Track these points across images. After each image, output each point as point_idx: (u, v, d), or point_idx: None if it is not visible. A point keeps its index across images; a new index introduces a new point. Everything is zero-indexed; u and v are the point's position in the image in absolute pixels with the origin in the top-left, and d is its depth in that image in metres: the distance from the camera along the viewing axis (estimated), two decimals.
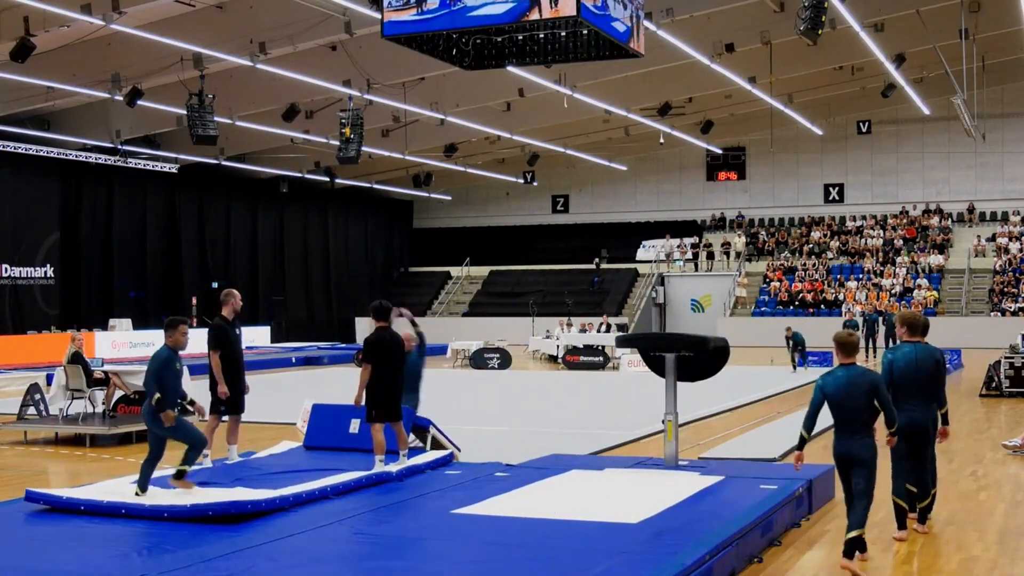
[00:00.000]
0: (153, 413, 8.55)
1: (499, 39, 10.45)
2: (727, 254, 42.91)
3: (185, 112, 24.17)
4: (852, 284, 39.53)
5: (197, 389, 10.84)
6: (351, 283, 44.25)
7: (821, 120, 38.03)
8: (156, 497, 8.27)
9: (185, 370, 9.14)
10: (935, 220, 41.71)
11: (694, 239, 44.12)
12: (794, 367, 24.52)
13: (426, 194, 44.48)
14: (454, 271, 46.83)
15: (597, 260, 44.00)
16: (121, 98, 25.03)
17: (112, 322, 31.74)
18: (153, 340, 29.87)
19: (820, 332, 29.39)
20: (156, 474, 8.63)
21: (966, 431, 14.00)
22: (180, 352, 8.81)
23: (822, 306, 38.66)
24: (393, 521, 8.00)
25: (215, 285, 34.47)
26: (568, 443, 12.37)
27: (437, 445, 10.89)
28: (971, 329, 34.20)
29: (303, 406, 11.95)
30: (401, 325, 10.57)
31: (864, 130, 39.65)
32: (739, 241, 43.15)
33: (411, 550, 7.06)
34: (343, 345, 36.81)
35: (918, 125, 40.63)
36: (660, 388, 10.00)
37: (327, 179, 39.95)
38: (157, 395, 8.41)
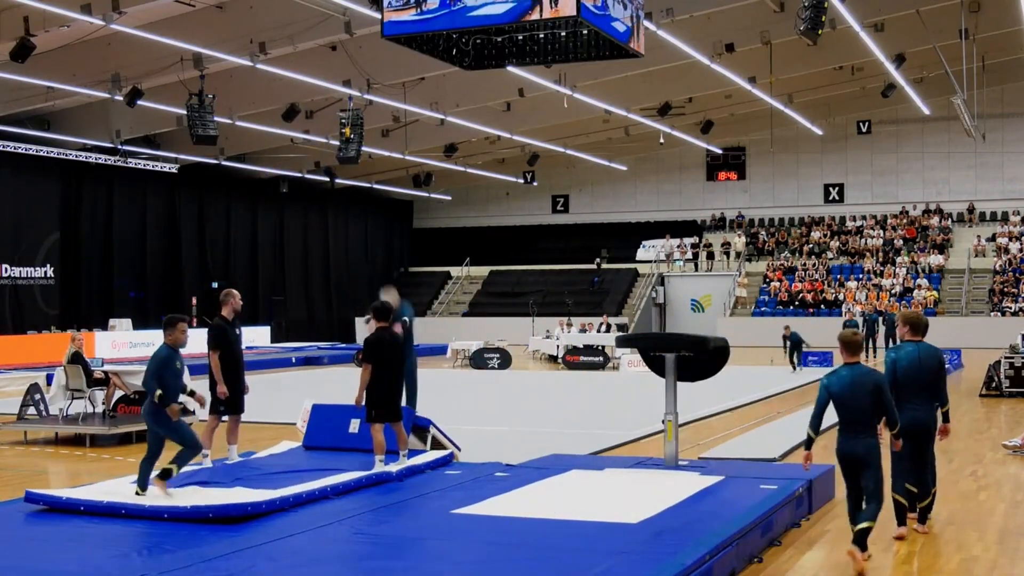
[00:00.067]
0: (154, 412, 8.54)
1: (499, 39, 10.44)
2: (727, 254, 42.91)
3: (185, 112, 24.18)
4: (852, 284, 39.54)
5: (197, 389, 10.82)
6: (351, 283, 44.25)
7: (821, 120, 38.04)
8: (156, 497, 8.27)
9: (185, 368, 9.10)
10: (935, 220, 41.72)
11: (694, 239, 44.13)
12: (794, 367, 24.48)
13: (426, 194, 44.49)
14: (454, 271, 46.83)
15: (598, 260, 44.00)
16: (121, 98, 25.03)
17: (112, 322, 31.75)
18: (153, 340, 29.86)
19: (820, 332, 29.50)
20: (156, 474, 8.60)
21: (966, 431, 14.00)
22: (180, 350, 8.79)
23: (822, 306, 38.67)
24: (393, 521, 8.00)
25: (215, 285, 34.48)
26: (568, 443, 12.36)
27: (437, 445, 10.88)
28: (971, 329, 34.19)
29: (303, 406, 11.94)
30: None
31: (864, 130, 39.66)
32: (739, 241, 43.16)
33: (411, 550, 7.06)
34: (343, 345, 36.82)
35: (918, 125, 40.64)
36: (660, 388, 10.00)
37: (327, 179, 39.96)
38: (158, 391, 8.38)
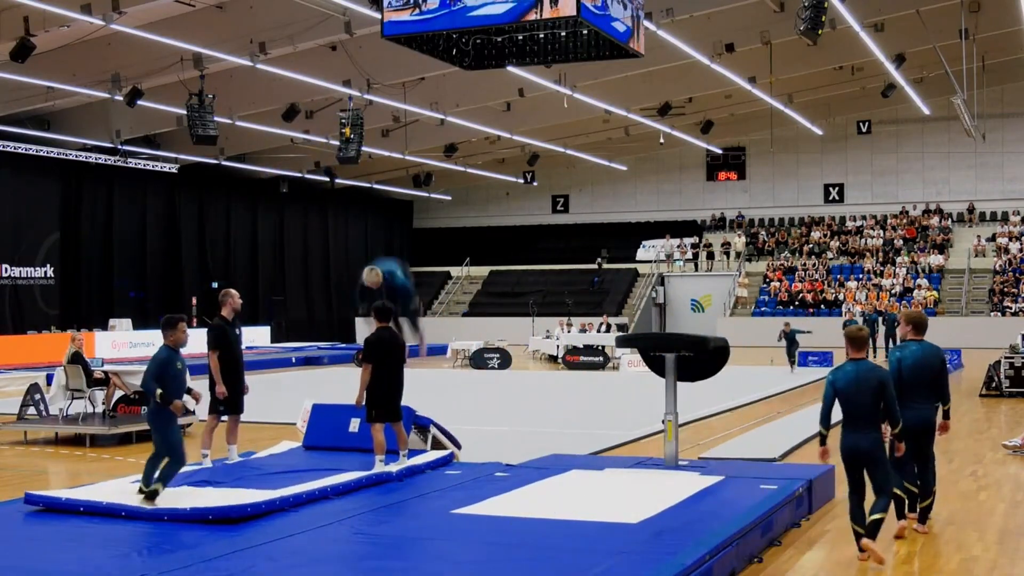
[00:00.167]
0: (152, 413, 8.46)
1: (499, 39, 10.44)
2: (727, 254, 42.91)
3: (185, 112, 24.17)
4: (852, 284, 39.54)
5: (198, 389, 10.82)
6: (351, 283, 44.09)
7: (821, 120, 38.04)
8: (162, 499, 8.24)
9: (186, 370, 9.00)
10: (935, 220, 41.72)
11: (694, 239, 44.13)
12: (792, 366, 24.46)
13: (426, 194, 44.48)
14: (454, 271, 46.83)
15: (599, 260, 43.99)
16: (121, 98, 25.03)
17: (112, 322, 31.75)
18: (153, 340, 29.83)
19: (820, 332, 29.51)
20: (143, 496, 8.47)
21: (966, 431, 14.00)
22: (181, 350, 8.69)
23: (822, 306, 38.67)
24: (393, 521, 8.01)
25: (215, 285, 34.45)
26: (568, 443, 12.36)
27: (437, 445, 10.89)
28: (971, 329, 34.19)
29: (303, 406, 11.94)
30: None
31: (864, 130, 39.65)
32: (739, 241, 43.16)
33: (411, 550, 7.06)
34: (343, 345, 36.82)
35: (918, 125, 40.64)
36: (660, 388, 10.00)
37: (327, 179, 39.95)
38: (159, 391, 8.26)
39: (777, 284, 40.62)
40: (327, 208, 43.51)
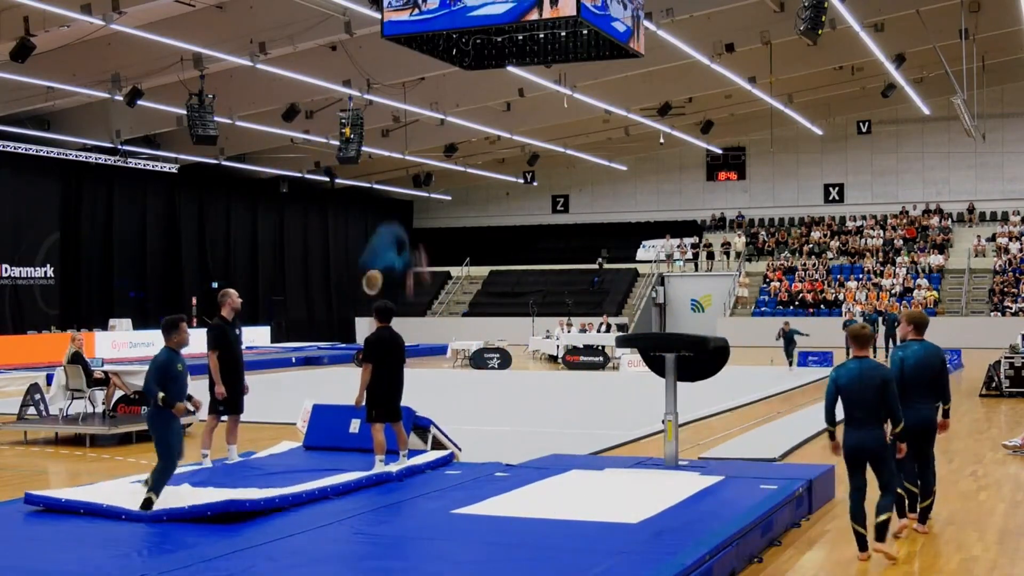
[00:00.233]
0: (151, 415, 8.41)
1: (499, 39, 10.44)
2: (727, 254, 42.91)
3: (185, 112, 24.18)
4: (852, 284, 39.53)
5: (197, 389, 10.82)
6: (351, 283, 44.09)
7: (821, 120, 38.03)
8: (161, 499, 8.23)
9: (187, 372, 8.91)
10: (935, 220, 41.71)
11: (694, 239, 44.12)
12: (791, 365, 24.48)
13: (426, 194, 44.48)
14: (454, 271, 46.81)
15: (600, 260, 43.98)
16: (121, 98, 25.03)
17: (112, 322, 31.75)
18: (153, 340, 29.89)
19: (820, 332, 29.53)
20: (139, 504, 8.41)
21: (966, 431, 14.00)
22: (182, 350, 8.57)
23: (822, 306, 38.67)
24: (393, 521, 8.01)
25: (215, 285, 34.45)
26: (568, 443, 12.36)
27: (438, 445, 10.89)
28: (971, 329, 34.18)
29: (303, 406, 11.94)
30: None
31: (864, 130, 39.64)
32: (739, 241, 43.15)
33: (411, 550, 7.06)
34: (343, 345, 36.82)
35: (918, 125, 40.64)
36: (660, 388, 10.00)
37: (327, 179, 39.95)
38: (161, 394, 8.18)
39: (777, 284, 40.62)
40: (327, 208, 43.51)
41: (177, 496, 8.30)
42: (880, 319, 30.87)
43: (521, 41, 10.52)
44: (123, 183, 34.17)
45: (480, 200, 47.85)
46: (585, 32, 10.23)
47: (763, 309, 39.67)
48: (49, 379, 15.11)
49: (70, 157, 31.40)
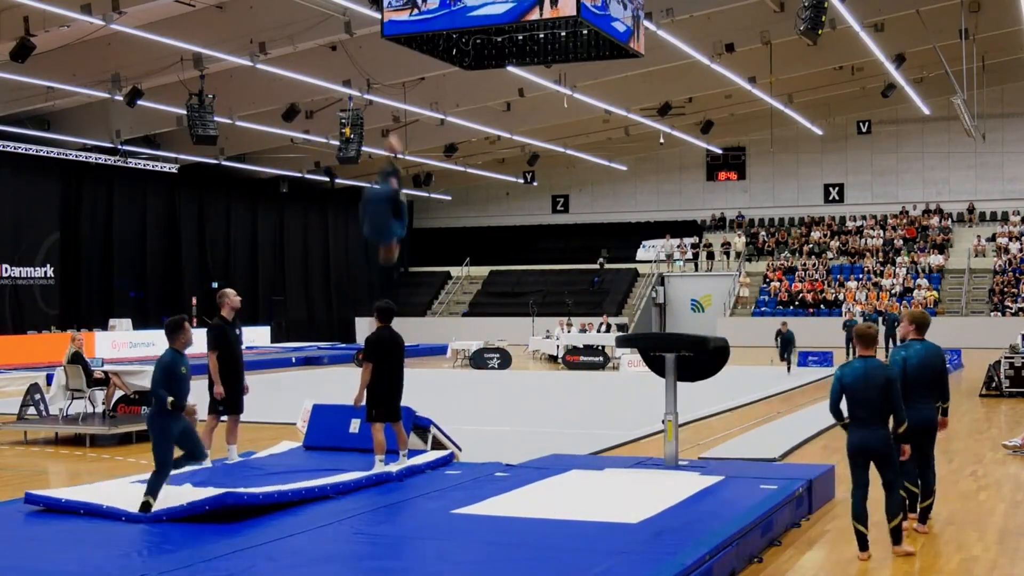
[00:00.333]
0: (151, 416, 8.37)
1: (499, 39, 10.44)
2: (727, 254, 42.92)
3: (185, 112, 24.18)
4: (852, 284, 39.54)
5: (197, 389, 10.83)
6: (351, 283, 44.24)
7: (821, 120, 38.03)
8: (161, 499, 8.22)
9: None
10: (935, 220, 41.72)
11: (694, 239, 44.13)
12: (789, 368, 24.21)
13: (426, 194, 44.46)
14: (454, 271, 46.82)
15: (600, 260, 43.98)
16: (121, 98, 25.03)
17: (112, 322, 31.76)
18: (153, 340, 29.92)
19: (820, 332, 29.53)
20: (172, 472, 8.41)
21: (966, 431, 14.00)
22: (186, 350, 8.49)
23: (822, 306, 38.67)
24: (393, 521, 8.01)
25: (215, 285, 34.44)
26: (568, 443, 12.36)
27: (438, 445, 10.88)
28: (971, 329, 34.19)
29: (303, 406, 11.94)
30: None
31: (864, 130, 39.62)
32: (739, 241, 43.16)
33: (411, 550, 7.06)
34: (343, 345, 36.81)
35: (918, 125, 40.64)
36: (660, 388, 9.99)
37: (327, 179, 39.95)
38: (170, 398, 8.07)
39: (777, 284, 40.62)
40: (327, 208, 43.50)
41: (178, 496, 8.29)
42: (880, 319, 30.87)
43: (521, 41, 10.52)
44: (123, 183, 34.17)
45: (480, 200, 47.85)
46: (585, 32, 10.23)
47: (763, 309, 39.68)
48: (49, 379, 15.10)
49: (70, 157, 31.40)
